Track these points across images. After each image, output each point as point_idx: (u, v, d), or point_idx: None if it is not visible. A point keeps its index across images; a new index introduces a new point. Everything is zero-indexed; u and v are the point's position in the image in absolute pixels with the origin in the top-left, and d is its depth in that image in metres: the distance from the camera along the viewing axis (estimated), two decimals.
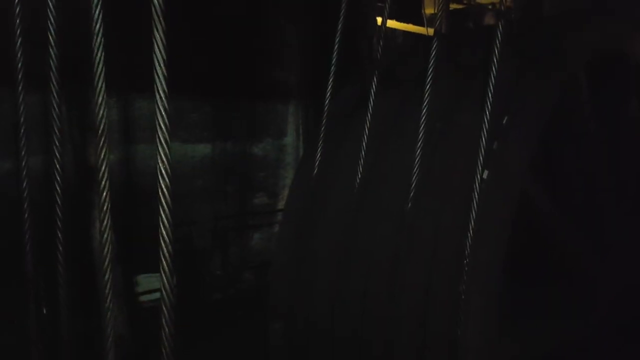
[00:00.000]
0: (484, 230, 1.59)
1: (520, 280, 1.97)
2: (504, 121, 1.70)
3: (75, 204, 2.40)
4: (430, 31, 3.71)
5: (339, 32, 2.05)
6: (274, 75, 3.27)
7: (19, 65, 1.61)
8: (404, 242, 1.71)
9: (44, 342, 1.80)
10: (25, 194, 1.65)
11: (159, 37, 1.05)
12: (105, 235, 1.23)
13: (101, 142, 1.19)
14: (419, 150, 1.68)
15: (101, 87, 1.19)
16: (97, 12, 1.19)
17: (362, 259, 1.82)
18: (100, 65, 1.19)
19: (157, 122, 1.07)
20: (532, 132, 1.74)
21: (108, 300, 1.25)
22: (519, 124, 1.72)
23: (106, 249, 1.23)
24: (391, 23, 3.38)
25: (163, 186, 1.08)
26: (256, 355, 2.86)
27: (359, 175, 1.86)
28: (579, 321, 2.18)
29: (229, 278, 3.13)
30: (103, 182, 1.20)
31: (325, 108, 2.04)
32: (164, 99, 1.05)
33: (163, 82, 1.05)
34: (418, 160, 1.67)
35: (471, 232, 1.55)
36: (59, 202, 1.62)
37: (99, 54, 1.19)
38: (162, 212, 1.09)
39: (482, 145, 1.57)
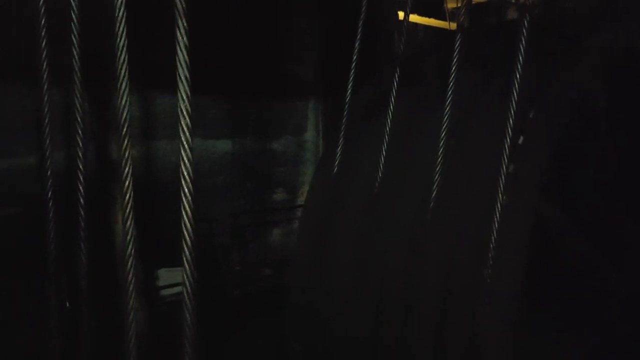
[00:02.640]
0: (502, 251, 1.56)
1: (538, 297, 1.93)
2: (520, 141, 1.65)
3: (97, 199, 2.43)
4: (453, 25, 3.67)
5: (360, 28, 2.04)
6: (293, 71, 3.26)
7: (44, 61, 1.63)
8: (422, 249, 1.69)
9: (65, 334, 1.82)
10: (48, 189, 1.67)
11: (181, 32, 1.04)
12: (128, 230, 1.23)
13: (124, 138, 1.19)
14: (440, 151, 1.66)
15: (124, 82, 1.19)
16: (120, 7, 1.19)
17: (380, 261, 1.80)
18: (124, 60, 1.19)
19: (180, 118, 1.07)
20: (547, 150, 1.69)
21: (130, 294, 1.26)
22: (534, 144, 1.67)
23: (129, 243, 1.23)
24: (413, 17, 3.35)
25: (186, 181, 1.07)
26: (274, 351, 2.87)
27: (379, 174, 1.85)
28: (598, 335, 2.13)
29: (248, 274, 3.13)
30: (126, 178, 1.20)
31: (346, 105, 2.03)
32: (187, 94, 1.05)
33: (186, 75, 1.05)
34: (440, 163, 1.65)
35: (490, 259, 1.53)
36: (82, 197, 1.63)
37: (122, 48, 1.19)
38: (184, 207, 1.09)
39: (503, 162, 1.54)
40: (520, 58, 1.52)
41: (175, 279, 2.76)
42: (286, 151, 3.27)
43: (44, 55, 1.64)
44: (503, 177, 1.51)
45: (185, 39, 1.04)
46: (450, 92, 1.64)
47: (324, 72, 3.30)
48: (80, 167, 1.60)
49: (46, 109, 1.67)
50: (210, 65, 2.90)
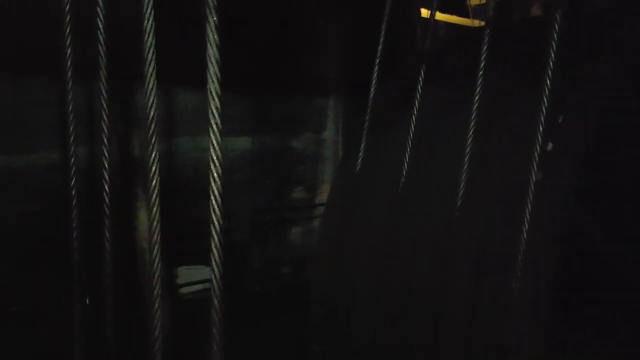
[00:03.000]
0: (531, 264, 1.51)
1: (570, 304, 1.88)
2: (549, 147, 1.59)
3: (119, 196, 2.43)
4: (475, 22, 3.62)
5: (384, 25, 2.01)
6: (313, 68, 3.24)
7: (68, 56, 1.62)
8: (448, 257, 1.65)
9: (88, 329, 1.83)
10: (72, 185, 1.67)
11: (212, 28, 1.03)
12: (155, 225, 1.22)
13: (151, 132, 1.18)
14: (467, 155, 1.61)
15: (151, 76, 1.18)
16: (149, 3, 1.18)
17: (404, 266, 1.76)
18: (151, 54, 1.18)
19: (209, 113, 1.06)
20: (577, 157, 1.62)
21: (156, 282, 1.25)
22: (564, 151, 1.60)
23: (155, 239, 1.22)
24: (424, 12, 3.31)
25: (215, 175, 1.06)
26: (290, 349, 2.87)
27: (404, 175, 1.81)
28: (631, 342, 2.07)
29: (267, 272, 3.13)
30: (152, 173, 1.20)
31: (370, 102, 2.00)
32: (217, 89, 1.03)
33: (216, 73, 1.03)
34: (466, 167, 1.61)
35: (519, 271, 1.48)
36: (104, 193, 1.63)
37: (150, 44, 1.18)
38: (213, 202, 1.08)
39: (533, 170, 1.48)
40: (551, 61, 1.47)
41: (194, 277, 2.76)
42: (306, 149, 3.25)
43: (68, 51, 1.63)
44: (532, 185, 1.46)
45: (215, 36, 1.03)
46: (478, 92, 1.60)
47: (345, 70, 3.27)
48: (103, 163, 1.59)
49: (70, 105, 1.67)
50: (231, 62, 2.89)
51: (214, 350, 1.12)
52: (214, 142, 1.04)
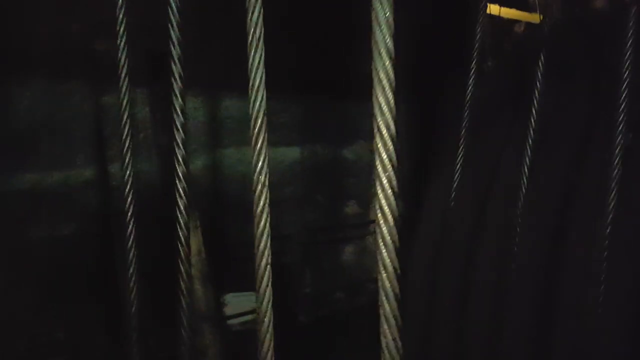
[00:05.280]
0: None
1: None
2: None
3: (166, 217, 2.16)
4: (535, 17, 3.34)
5: (481, 14, 1.72)
6: (366, 71, 2.95)
7: (124, 61, 1.35)
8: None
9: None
10: (129, 206, 1.39)
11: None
12: (264, 240, 0.92)
13: (259, 142, 0.89)
14: (614, 185, 1.20)
15: (260, 83, 0.90)
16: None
17: (531, 325, 1.37)
18: (261, 68, 0.89)
19: (375, 125, 0.76)
20: None
21: (269, 334, 0.95)
22: None
23: (265, 262, 0.92)
24: (494, 9, 3.04)
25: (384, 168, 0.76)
26: None
27: (521, 203, 1.45)
28: None
29: (319, 297, 2.82)
30: (261, 184, 0.90)
31: (466, 105, 1.69)
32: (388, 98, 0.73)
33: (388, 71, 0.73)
34: (615, 186, 1.21)
35: None
36: (179, 214, 1.34)
37: (258, 52, 0.89)
38: (383, 202, 0.77)
39: None
40: None
41: (244, 306, 2.45)
42: (359, 159, 2.95)
43: (123, 56, 1.35)
44: None
45: (389, 41, 0.72)
46: (624, 96, 1.24)
47: (402, 69, 2.97)
48: (177, 183, 1.30)
49: (125, 115, 1.39)
50: (280, 65, 2.60)
51: None
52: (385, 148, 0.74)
